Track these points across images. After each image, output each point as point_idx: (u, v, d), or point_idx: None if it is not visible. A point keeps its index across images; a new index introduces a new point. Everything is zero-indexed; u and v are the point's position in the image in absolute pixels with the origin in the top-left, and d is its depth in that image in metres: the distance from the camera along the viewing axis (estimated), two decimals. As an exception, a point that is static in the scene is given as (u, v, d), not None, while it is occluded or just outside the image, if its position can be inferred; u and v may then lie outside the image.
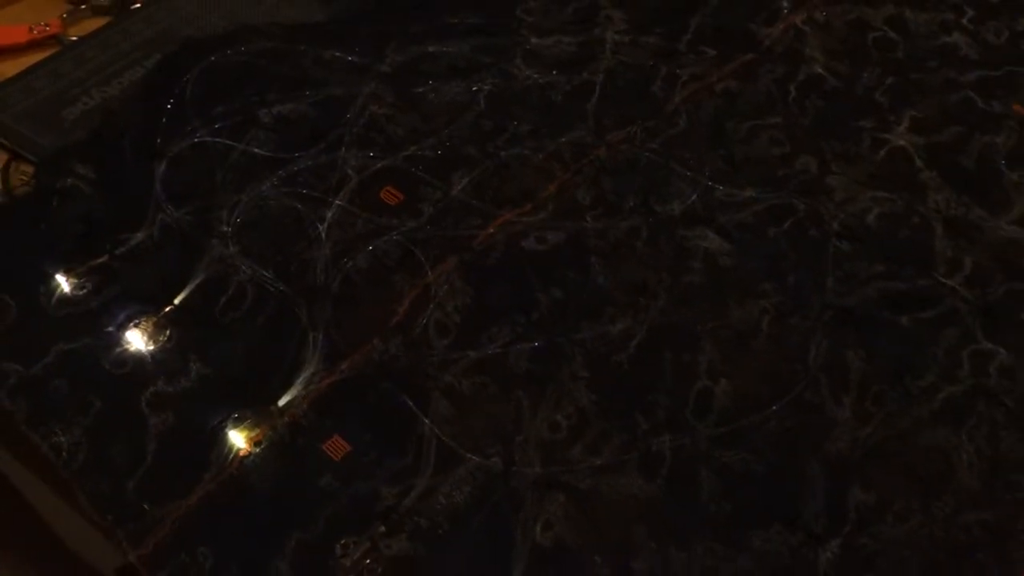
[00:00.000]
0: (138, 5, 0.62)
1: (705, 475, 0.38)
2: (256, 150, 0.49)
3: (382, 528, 0.38)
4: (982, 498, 0.37)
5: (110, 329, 0.43)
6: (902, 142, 0.51)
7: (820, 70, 0.54)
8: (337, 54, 0.53)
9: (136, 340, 0.43)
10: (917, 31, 0.57)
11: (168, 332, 0.43)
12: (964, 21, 0.58)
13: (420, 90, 0.51)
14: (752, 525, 0.37)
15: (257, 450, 0.40)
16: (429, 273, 0.44)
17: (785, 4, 0.57)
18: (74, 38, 0.60)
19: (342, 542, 0.37)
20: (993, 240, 0.46)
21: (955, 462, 0.38)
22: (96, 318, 0.44)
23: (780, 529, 0.37)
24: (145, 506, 0.38)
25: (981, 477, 0.38)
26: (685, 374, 0.41)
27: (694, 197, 0.47)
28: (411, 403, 0.40)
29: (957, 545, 0.36)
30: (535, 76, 0.51)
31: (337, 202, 0.46)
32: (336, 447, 0.40)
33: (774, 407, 0.40)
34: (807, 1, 0.57)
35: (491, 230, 0.45)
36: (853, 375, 0.41)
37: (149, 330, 0.43)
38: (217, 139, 0.50)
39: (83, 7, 0.63)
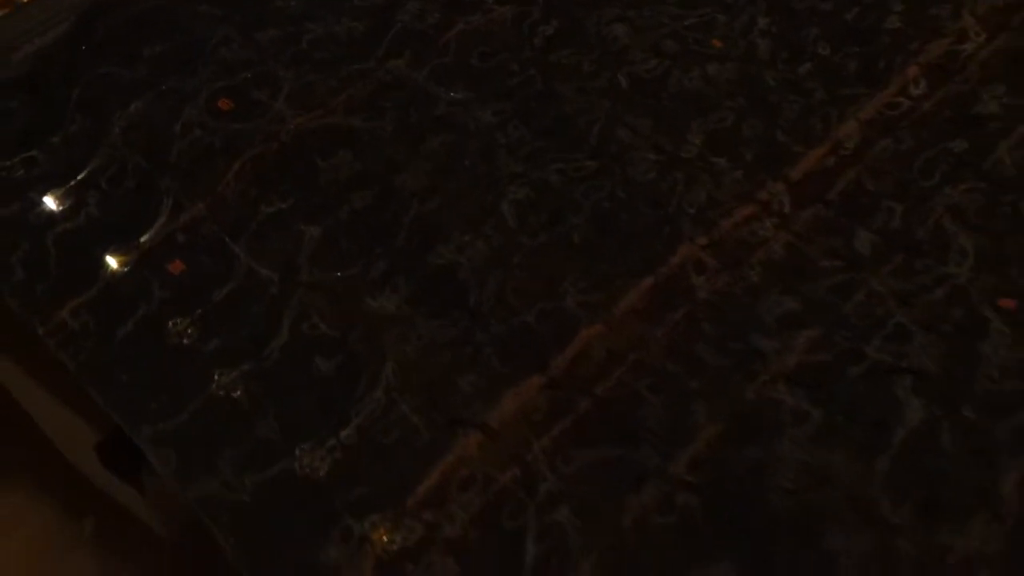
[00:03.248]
0: (70, -24, 0.82)
1: (421, 294, 0.59)
2: (144, 74, 0.69)
3: (199, 311, 0.58)
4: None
5: (32, 196, 0.64)
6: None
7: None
8: (203, 8, 0.73)
9: (49, 202, 0.64)
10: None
11: (72, 196, 0.64)
12: None
13: (260, 34, 0.71)
14: (436, 315, 0.57)
15: (125, 269, 0.60)
16: (247, 155, 0.64)
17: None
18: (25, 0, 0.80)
19: (172, 321, 0.58)
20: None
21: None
22: (23, 189, 0.64)
23: (455, 314, 0.57)
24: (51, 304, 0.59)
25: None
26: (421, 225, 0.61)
27: (441, 106, 0.67)
28: (226, 238, 0.61)
29: (570, 318, 0.57)
30: (343, 20, 0.71)
31: (190, 109, 0.67)
32: (176, 267, 0.60)
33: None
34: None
35: (292, 126, 0.65)
36: (522, 216, 0.61)
37: (59, 195, 0.64)
38: (115, 70, 0.70)
39: (30, -21, 0.83)
